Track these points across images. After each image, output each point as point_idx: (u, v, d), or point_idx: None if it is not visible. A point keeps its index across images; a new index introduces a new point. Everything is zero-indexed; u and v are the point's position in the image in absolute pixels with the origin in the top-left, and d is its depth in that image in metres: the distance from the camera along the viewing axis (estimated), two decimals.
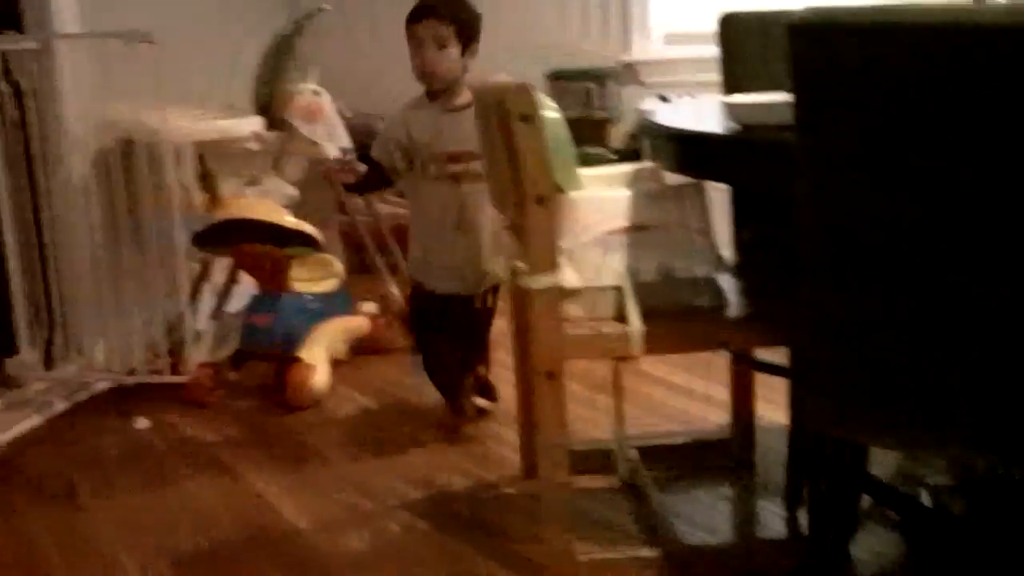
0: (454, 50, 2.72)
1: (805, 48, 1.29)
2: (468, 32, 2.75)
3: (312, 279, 3.49)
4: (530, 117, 1.81)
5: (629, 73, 4.43)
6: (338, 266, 3.59)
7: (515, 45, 4.51)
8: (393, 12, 4.70)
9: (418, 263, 2.91)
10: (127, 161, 3.37)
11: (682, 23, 4.44)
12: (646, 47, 4.44)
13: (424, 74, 2.77)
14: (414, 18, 2.72)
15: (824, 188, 1.36)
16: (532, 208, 1.85)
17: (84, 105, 3.38)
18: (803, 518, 2.29)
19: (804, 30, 1.29)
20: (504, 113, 1.83)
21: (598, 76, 4.32)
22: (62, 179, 3.34)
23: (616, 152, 4.30)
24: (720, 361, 2.62)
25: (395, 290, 3.95)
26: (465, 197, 2.75)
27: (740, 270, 2.23)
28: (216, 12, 4.19)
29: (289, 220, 3.23)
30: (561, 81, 4.26)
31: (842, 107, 1.31)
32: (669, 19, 4.48)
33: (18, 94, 3.12)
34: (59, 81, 3.28)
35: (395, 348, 3.66)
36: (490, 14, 4.58)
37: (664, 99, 4.25)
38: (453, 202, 2.76)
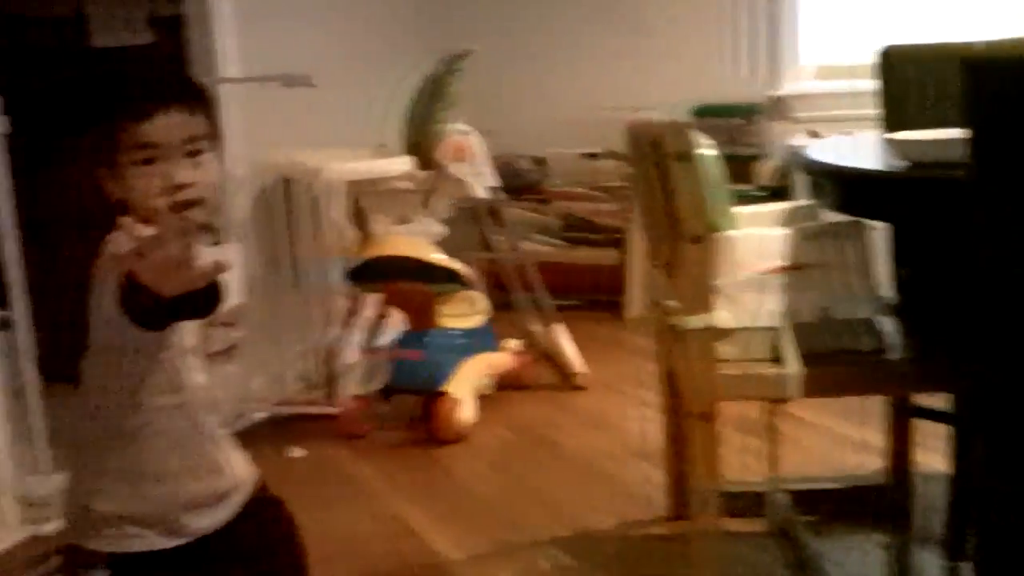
0: None
1: (983, 83, 1.25)
2: None
3: (459, 315, 3.53)
4: (686, 156, 1.81)
5: (778, 108, 4.37)
6: (484, 303, 3.63)
7: (660, 81, 4.53)
8: (538, 53, 4.83)
9: None
10: (286, 200, 3.49)
11: (834, 56, 4.37)
12: (796, 81, 4.38)
13: None
14: None
15: (1004, 225, 1.31)
16: (687, 247, 1.84)
17: (245, 146, 3.52)
18: (966, 571, 2.20)
19: (981, 66, 1.25)
20: (660, 152, 1.83)
21: (745, 112, 4.28)
22: (226, 217, 3.47)
23: (763, 190, 4.24)
24: (873, 405, 2.54)
25: (537, 327, 3.98)
26: None
27: (900, 311, 2.16)
28: (366, 54, 4.32)
29: (438, 258, 3.29)
30: (707, 117, 4.24)
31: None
32: (820, 52, 4.41)
33: None
34: (223, 123, 3.41)
35: (538, 385, 3.69)
36: (635, 50, 4.65)
37: (815, 135, 4.19)
38: None
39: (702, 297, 1.87)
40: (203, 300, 1.20)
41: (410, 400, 3.45)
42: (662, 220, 1.94)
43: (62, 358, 3.81)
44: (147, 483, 1.42)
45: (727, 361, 1.94)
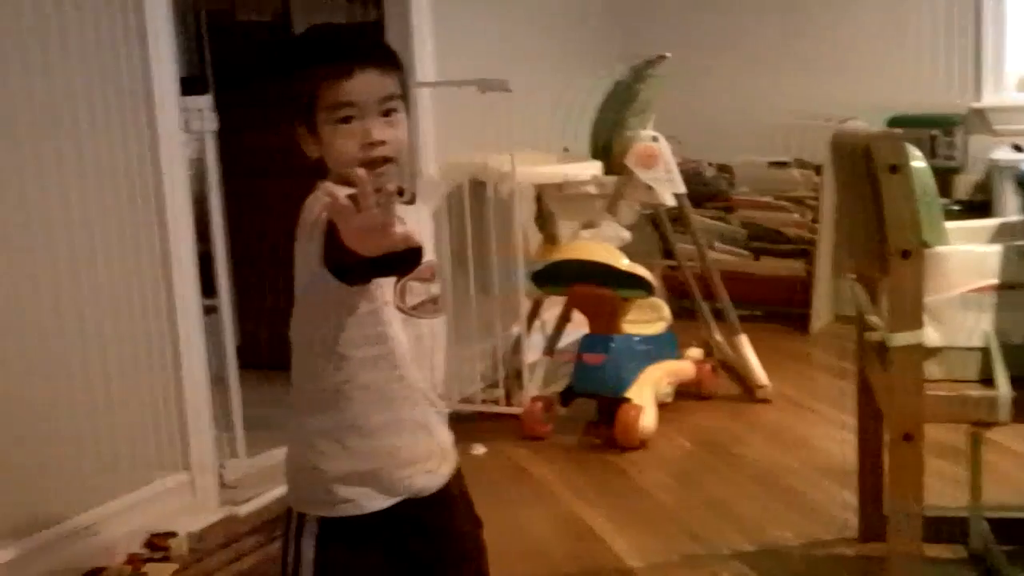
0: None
1: None
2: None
3: (642, 321, 3.52)
4: (900, 167, 1.75)
5: (978, 120, 4.19)
6: (667, 310, 3.61)
7: (854, 90, 4.41)
8: (729, 59, 4.77)
9: None
10: (474, 201, 3.55)
11: None
12: (999, 93, 4.19)
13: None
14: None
15: None
16: (896, 262, 1.77)
17: (435, 147, 3.61)
18: None
19: None
20: (870, 162, 1.78)
21: (944, 123, 4.12)
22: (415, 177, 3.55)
23: (960, 204, 4.08)
24: None
25: (719, 337, 3.92)
26: None
27: None
28: (555, 58, 4.36)
29: (624, 263, 3.28)
30: (903, 128, 4.09)
31: None
32: None
33: None
34: (417, 124, 3.50)
35: (720, 395, 3.64)
36: (828, 57, 4.54)
37: (1018, 148, 4.01)
38: None
39: (911, 313, 1.80)
40: (403, 258, 1.25)
41: (588, 404, 3.45)
42: (868, 233, 1.88)
43: (260, 347, 3.99)
44: (354, 438, 1.45)
45: (933, 381, 1.87)
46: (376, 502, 1.47)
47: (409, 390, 1.48)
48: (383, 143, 1.42)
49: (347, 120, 1.41)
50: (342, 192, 1.21)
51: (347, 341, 1.42)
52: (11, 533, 2.33)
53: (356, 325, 1.42)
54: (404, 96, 1.48)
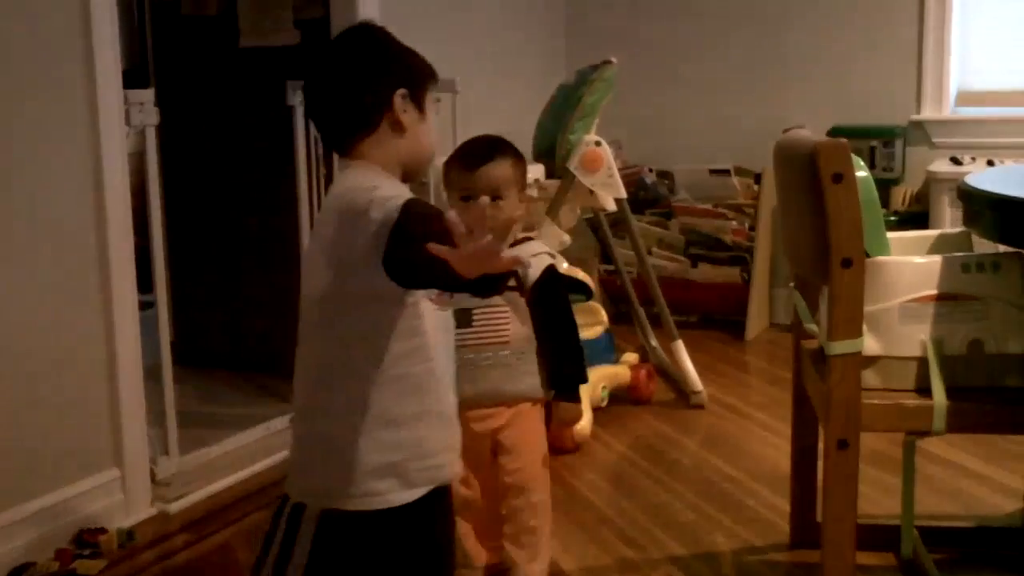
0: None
1: None
2: None
3: (579, 325, 3.50)
4: (843, 176, 1.77)
5: (917, 133, 4.28)
6: (604, 314, 3.62)
7: (797, 100, 4.47)
8: (672, 67, 4.80)
9: None
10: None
11: (981, 82, 4.26)
12: (939, 106, 4.27)
13: None
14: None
15: None
16: (837, 270, 1.80)
17: None
18: None
19: None
20: (814, 170, 1.80)
21: (884, 135, 4.18)
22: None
23: (898, 215, 4.15)
24: (1013, 445, 2.46)
25: (655, 342, 3.95)
26: None
27: None
28: (502, 62, 4.36)
29: (565, 267, 3.28)
30: (842, 139, 4.16)
31: None
32: (966, 78, 4.30)
33: None
34: None
35: (656, 401, 3.66)
36: (770, 67, 4.59)
37: (957, 161, 4.09)
38: None
39: (850, 322, 1.82)
40: (495, 280, 1.28)
41: None
42: (810, 241, 1.91)
43: (194, 344, 3.93)
44: (383, 430, 1.46)
45: (870, 390, 1.90)
46: (401, 495, 1.47)
47: (437, 382, 1.50)
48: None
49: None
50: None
51: (387, 334, 1.44)
52: None
53: (396, 316, 1.44)
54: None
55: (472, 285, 1.26)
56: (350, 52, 1.60)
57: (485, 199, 1.39)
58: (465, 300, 1.47)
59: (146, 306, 2.84)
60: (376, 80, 1.53)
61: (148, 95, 2.75)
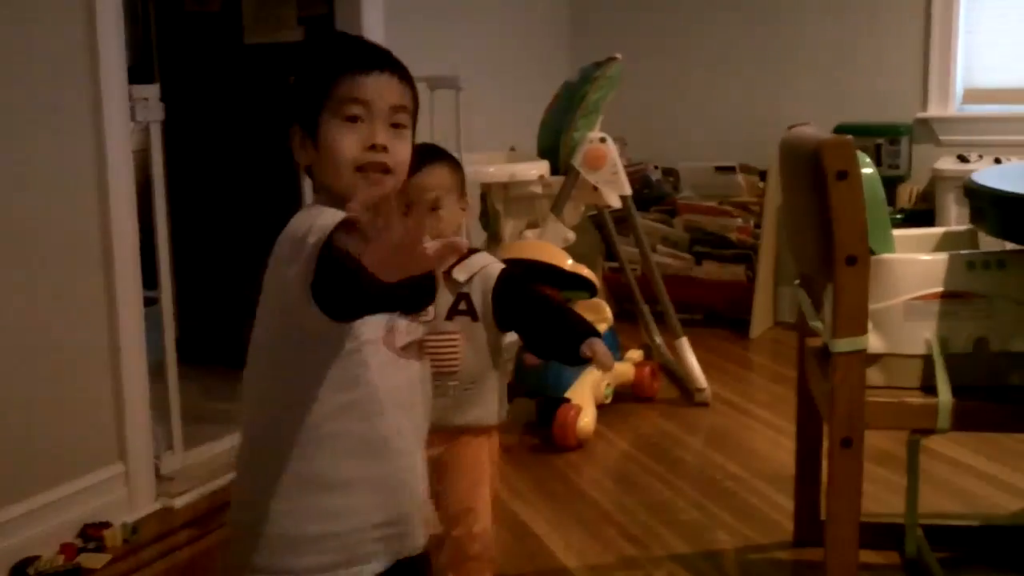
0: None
1: None
2: None
3: None
4: (847, 173, 1.76)
5: (923, 130, 4.27)
6: (608, 312, 3.61)
7: (804, 97, 4.46)
8: (678, 63, 4.80)
9: None
10: None
11: (987, 79, 4.24)
12: (945, 104, 4.26)
13: None
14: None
15: None
16: (842, 268, 1.79)
17: None
18: None
19: None
20: (818, 167, 1.79)
21: (890, 132, 4.17)
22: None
23: (903, 212, 4.14)
24: (1016, 443, 2.46)
25: (659, 340, 3.94)
26: None
27: None
28: (506, 58, 4.35)
29: (568, 264, 3.28)
30: (847, 136, 4.15)
31: None
32: (973, 75, 4.29)
33: None
34: None
35: (660, 398, 3.66)
36: (777, 65, 4.58)
37: (963, 159, 4.08)
38: None
39: (855, 320, 1.82)
40: (421, 288, 1.13)
41: (528, 404, 3.45)
42: (814, 238, 1.90)
43: (199, 341, 3.94)
44: (318, 494, 1.31)
45: (874, 388, 1.89)
46: (350, 571, 1.32)
47: (382, 443, 1.34)
48: (385, 149, 1.34)
49: (354, 119, 1.35)
50: (366, 208, 1.06)
51: (319, 382, 1.29)
52: None
53: (332, 365, 1.29)
54: (414, 115, 1.42)
55: (397, 297, 1.10)
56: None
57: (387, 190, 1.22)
58: (411, 331, 1.35)
59: (150, 302, 2.84)
60: (280, 116, 1.42)
61: (153, 91, 2.75)
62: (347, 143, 1.33)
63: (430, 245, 1.07)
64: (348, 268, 1.08)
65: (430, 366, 1.44)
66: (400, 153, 1.36)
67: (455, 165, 1.99)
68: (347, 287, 1.12)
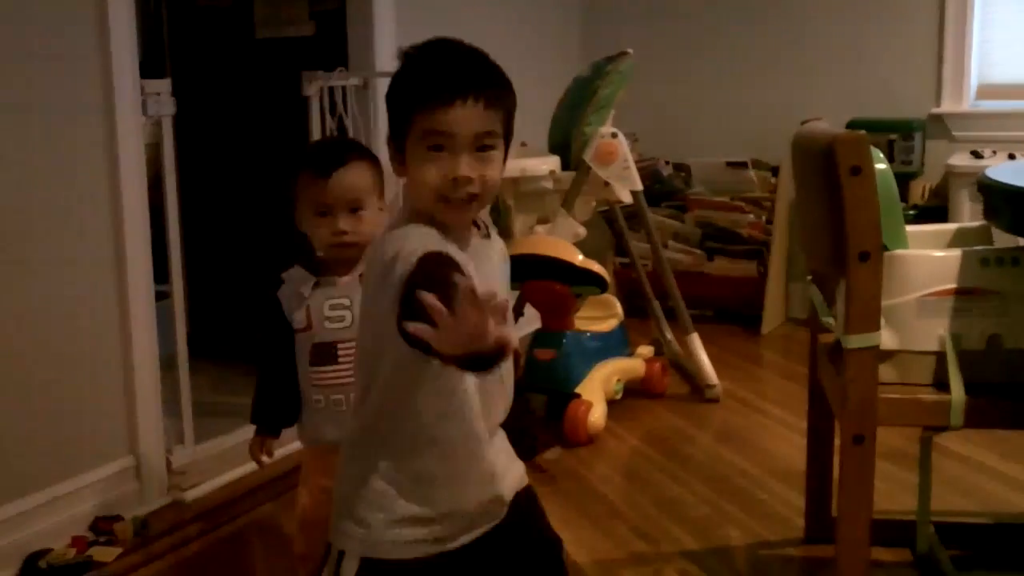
0: None
1: None
2: None
3: (594, 318, 3.52)
4: (860, 169, 1.76)
5: (936, 126, 4.25)
6: (619, 307, 3.61)
7: (817, 92, 4.45)
8: (690, 59, 4.78)
9: None
10: None
11: (1002, 75, 4.22)
12: (959, 99, 4.24)
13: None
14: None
15: None
16: (855, 264, 1.78)
17: None
18: None
19: None
20: (831, 163, 1.78)
21: (903, 128, 4.15)
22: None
23: (916, 208, 4.13)
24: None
25: (670, 336, 3.94)
26: None
27: None
28: (517, 53, 4.34)
29: (579, 259, 3.28)
30: (861, 131, 4.13)
31: None
32: (987, 71, 4.27)
33: (341, 127, 3.32)
34: (375, 115, 3.47)
35: (670, 394, 3.65)
36: (789, 60, 4.56)
37: (977, 155, 4.06)
38: None
39: (868, 316, 1.81)
40: (490, 358, 1.14)
41: (538, 400, 3.45)
42: (827, 234, 1.89)
43: (210, 335, 3.94)
44: (418, 486, 1.40)
45: (887, 384, 1.88)
46: (434, 547, 1.42)
47: (477, 443, 1.42)
48: (470, 180, 1.33)
49: (438, 148, 1.33)
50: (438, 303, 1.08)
51: (420, 392, 1.36)
52: None
53: (429, 378, 1.35)
54: (506, 133, 1.40)
55: (462, 362, 1.14)
56: None
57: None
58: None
59: (162, 297, 2.85)
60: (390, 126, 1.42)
61: (164, 85, 2.76)
62: (430, 174, 1.34)
63: (492, 331, 1.08)
64: (417, 341, 1.12)
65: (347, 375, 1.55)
66: (489, 177, 1.37)
67: (375, 162, 1.92)
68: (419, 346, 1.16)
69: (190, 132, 3.73)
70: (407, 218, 1.37)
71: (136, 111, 2.65)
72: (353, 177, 1.85)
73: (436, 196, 1.35)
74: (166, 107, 2.76)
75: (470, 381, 1.37)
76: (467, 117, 1.34)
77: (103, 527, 2.55)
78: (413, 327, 1.10)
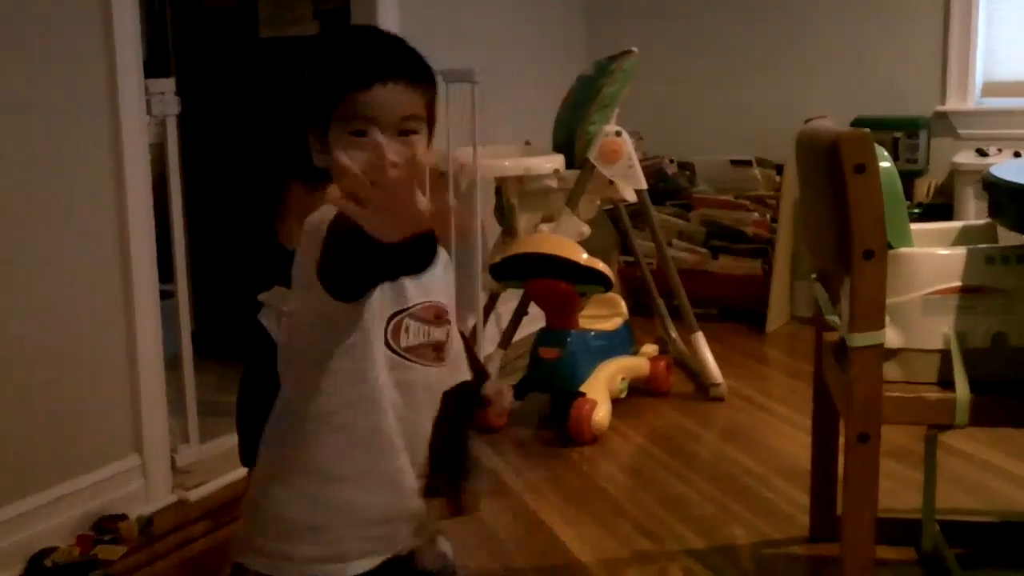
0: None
1: None
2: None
3: (598, 317, 3.52)
4: (865, 167, 1.75)
5: (941, 124, 4.24)
6: (623, 306, 3.61)
7: (820, 90, 4.44)
8: (694, 57, 4.78)
9: None
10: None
11: (1007, 72, 4.21)
12: (964, 97, 4.23)
13: None
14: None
15: None
16: (859, 262, 1.78)
17: None
18: None
19: None
20: (836, 161, 1.78)
21: (908, 126, 4.15)
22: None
23: (921, 206, 4.12)
24: None
25: (675, 334, 3.93)
26: None
27: None
28: (521, 52, 4.34)
29: (584, 258, 3.28)
30: (865, 129, 4.12)
31: None
32: (992, 68, 4.26)
33: None
34: None
35: (675, 393, 3.65)
36: (793, 58, 4.56)
37: (982, 153, 4.05)
38: None
39: (872, 314, 1.80)
40: (417, 255, 1.12)
41: (543, 398, 3.46)
42: (832, 232, 1.89)
43: (215, 334, 3.94)
44: (313, 484, 1.32)
45: (892, 382, 1.88)
46: (332, 567, 1.32)
47: (387, 442, 1.33)
48: (394, 164, 1.26)
49: (360, 134, 1.30)
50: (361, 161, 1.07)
51: (328, 372, 1.30)
52: None
53: (340, 356, 1.29)
54: (429, 117, 1.37)
55: (400, 260, 1.09)
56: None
57: (377, 135, 1.15)
58: (416, 334, 1.32)
59: (166, 296, 2.85)
60: (296, 114, 1.38)
61: (169, 84, 2.76)
62: (355, 159, 1.30)
63: (423, 202, 1.04)
64: (349, 237, 1.08)
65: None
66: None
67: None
68: (350, 257, 1.12)
69: (194, 131, 3.73)
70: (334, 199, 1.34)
71: (140, 110, 2.65)
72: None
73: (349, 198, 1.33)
74: (170, 106, 2.76)
75: (381, 370, 1.30)
76: (388, 100, 1.31)
77: (108, 526, 2.55)
78: (341, 204, 1.04)
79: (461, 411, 1.43)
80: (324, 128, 1.34)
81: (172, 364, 2.87)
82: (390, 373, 1.32)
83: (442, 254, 1.44)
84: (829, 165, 1.81)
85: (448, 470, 1.41)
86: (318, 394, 1.30)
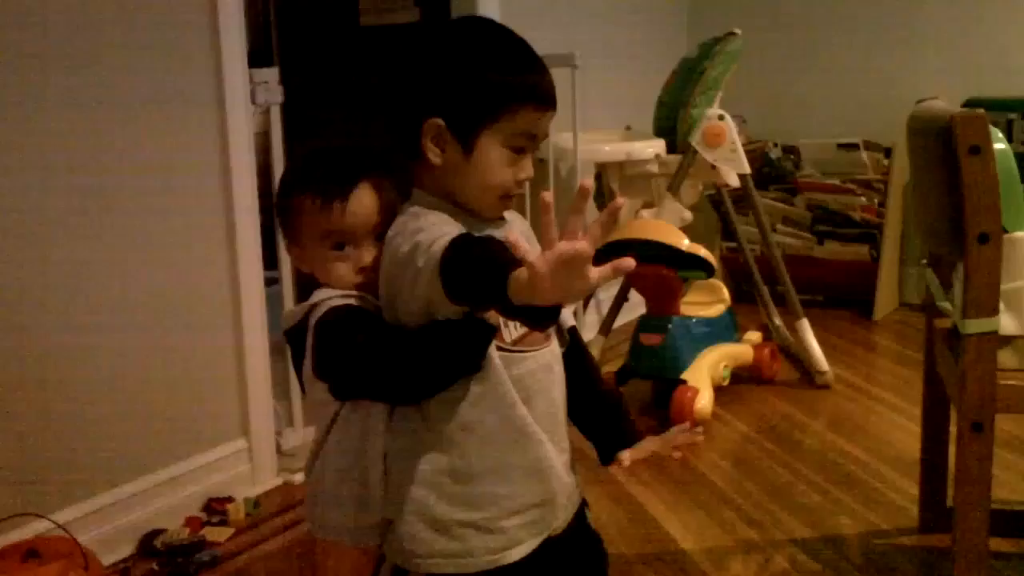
0: None
1: None
2: None
3: (701, 303, 3.48)
4: (980, 149, 1.69)
5: None
6: (726, 292, 3.56)
7: (931, 70, 4.31)
8: (800, 39, 4.68)
9: None
10: (537, 179, 3.52)
11: None
12: None
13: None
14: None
15: None
16: (973, 246, 1.72)
17: None
18: None
19: None
20: (949, 143, 1.72)
21: (1023, 107, 3.99)
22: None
23: None
24: None
25: (779, 321, 3.87)
26: None
27: None
28: (622, 36, 4.30)
29: (685, 244, 3.24)
30: (980, 110, 3.99)
31: None
32: None
33: None
34: None
35: (779, 380, 3.59)
36: (905, 36, 4.43)
37: None
38: None
39: (987, 300, 1.74)
40: (550, 312, 1.12)
41: (644, 385, 3.43)
42: (944, 216, 1.83)
43: None
44: (453, 484, 1.34)
45: (1006, 370, 1.81)
46: (475, 560, 1.35)
47: (518, 433, 1.34)
48: (527, 180, 1.35)
49: (519, 151, 1.31)
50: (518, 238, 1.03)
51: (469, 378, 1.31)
52: (74, 494, 2.36)
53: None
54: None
55: (527, 312, 1.07)
56: (409, 57, 1.34)
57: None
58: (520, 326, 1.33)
59: (271, 282, 2.90)
60: (410, 99, 1.32)
61: (273, 74, 2.80)
62: (507, 172, 1.31)
63: (593, 275, 1.01)
64: (479, 275, 1.10)
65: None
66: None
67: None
68: (483, 303, 1.17)
69: (298, 119, 3.79)
70: (420, 200, 1.35)
71: (245, 100, 2.69)
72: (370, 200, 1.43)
73: (500, 193, 1.33)
74: (274, 95, 2.80)
75: (498, 365, 1.31)
76: (548, 124, 1.35)
77: (216, 508, 2.61)
78: (519, 252, 1.00)
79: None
80: (473, 128, 1.29)
81: (277, 350, 2.92)
82: (508, 370, 1.32)
83: (520, 223, 1.45)
84: (942, 147, 1.75)
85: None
86: (447, 395, 1.31)
